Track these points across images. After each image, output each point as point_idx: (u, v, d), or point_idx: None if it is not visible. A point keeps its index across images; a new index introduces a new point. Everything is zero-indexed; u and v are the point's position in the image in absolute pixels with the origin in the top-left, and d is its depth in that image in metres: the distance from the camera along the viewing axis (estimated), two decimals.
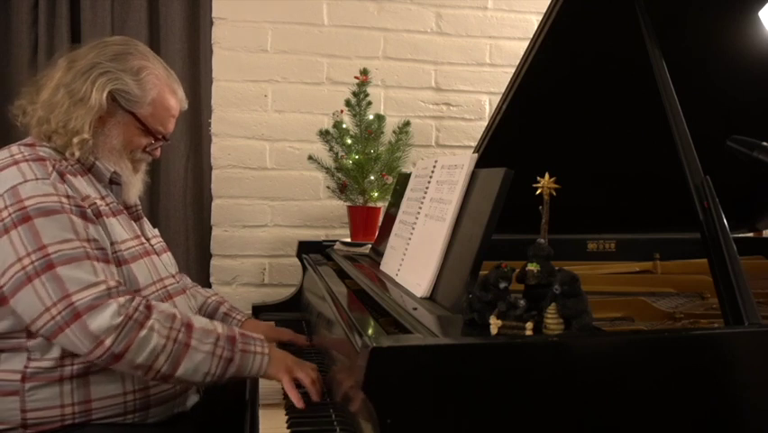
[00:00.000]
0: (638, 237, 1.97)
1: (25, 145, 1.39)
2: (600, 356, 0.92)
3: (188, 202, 2.53)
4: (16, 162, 1.32)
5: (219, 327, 1.33)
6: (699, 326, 1.33)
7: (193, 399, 1.51)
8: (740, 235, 2.08)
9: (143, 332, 1.22)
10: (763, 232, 2.15)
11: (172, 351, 1.25)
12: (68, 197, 1.29)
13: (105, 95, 1.39)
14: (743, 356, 0.97)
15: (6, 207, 1.25)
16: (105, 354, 1.21)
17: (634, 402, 0.90)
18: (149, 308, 1.26)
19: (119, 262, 1.35)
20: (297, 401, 1.26)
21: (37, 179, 1.28)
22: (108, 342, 1.20)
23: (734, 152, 1.21)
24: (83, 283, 1.22)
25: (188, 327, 1.29)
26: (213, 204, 2.52)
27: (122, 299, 1.23)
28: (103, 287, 1.23)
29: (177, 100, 1.52)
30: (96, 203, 1.36)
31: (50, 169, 1.31)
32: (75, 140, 1.37)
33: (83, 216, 1.30)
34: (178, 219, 2.51)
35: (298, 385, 1.30)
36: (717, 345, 0.97)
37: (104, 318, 1.20)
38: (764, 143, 1.18)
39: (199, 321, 1.32)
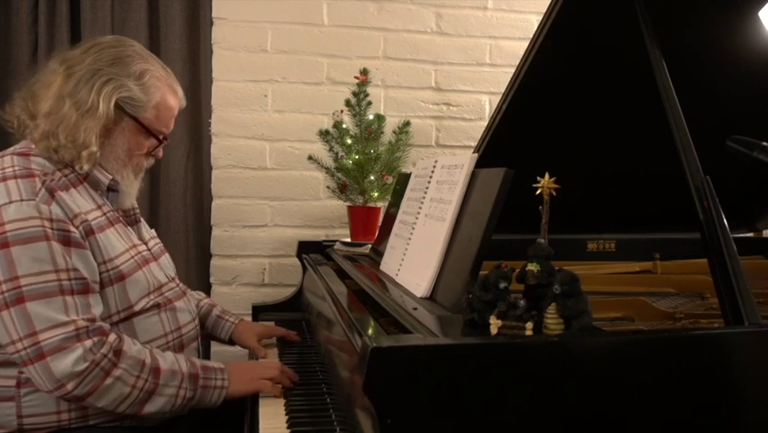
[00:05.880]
0: (638, 237, 1.96)
1: (19, 155, 1.34)
2: (600, 356, 0.92)
3: (188, 202, 2.53)
4: (5, 179, 1.28)
5: (183, 365, 1.34)
6: (699, 326, 1.33)
7: None
8: (740, 235, 2.08)
9: (108, 381, 1.22)
10: (763, 232, 2.15)
11: (136, 398, 1.26)
12: (51, 220, 1.25)
13: (112, 104, 1.36)
14: (743, 356, 0.97)
15: None
16: (67, 396, 1.22)
17: (634, 402, 0.90)
18: (118, 354, 1.24)
19: (112, 281, 1.33)
20: (278, 392, 1.35)
21: (22, 200, 1.25)
22: (70, 386, 1.20)
23: (734, 151, 1.21)
24: (51, 322, 1.20)
25: (156, 371, 1.28)
26: (213, 204, 2.52)
27: (89, 343, 1.21)
28: (71, 327, 1.21)
29: (177, 99, 1.50)
30: (87, 219, 1.32)
31: (39, 186, 1.27)
32: (84, 153, 1.34)
33: (65, 241, 1.26)
34: (178, 219, 2.51)
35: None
36: (717, 345, 0.97)
37: (67, 363, 1.19)
38: (764, 143, 1.18)
39: (166, 361, 1.32)
